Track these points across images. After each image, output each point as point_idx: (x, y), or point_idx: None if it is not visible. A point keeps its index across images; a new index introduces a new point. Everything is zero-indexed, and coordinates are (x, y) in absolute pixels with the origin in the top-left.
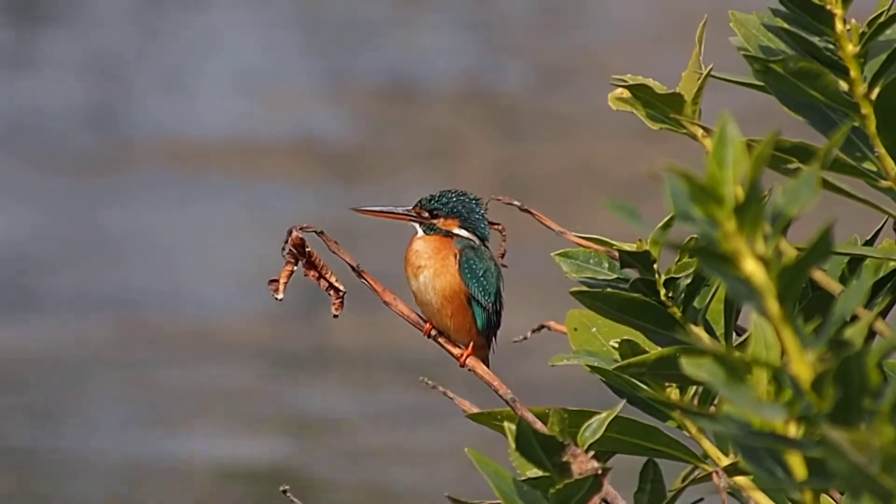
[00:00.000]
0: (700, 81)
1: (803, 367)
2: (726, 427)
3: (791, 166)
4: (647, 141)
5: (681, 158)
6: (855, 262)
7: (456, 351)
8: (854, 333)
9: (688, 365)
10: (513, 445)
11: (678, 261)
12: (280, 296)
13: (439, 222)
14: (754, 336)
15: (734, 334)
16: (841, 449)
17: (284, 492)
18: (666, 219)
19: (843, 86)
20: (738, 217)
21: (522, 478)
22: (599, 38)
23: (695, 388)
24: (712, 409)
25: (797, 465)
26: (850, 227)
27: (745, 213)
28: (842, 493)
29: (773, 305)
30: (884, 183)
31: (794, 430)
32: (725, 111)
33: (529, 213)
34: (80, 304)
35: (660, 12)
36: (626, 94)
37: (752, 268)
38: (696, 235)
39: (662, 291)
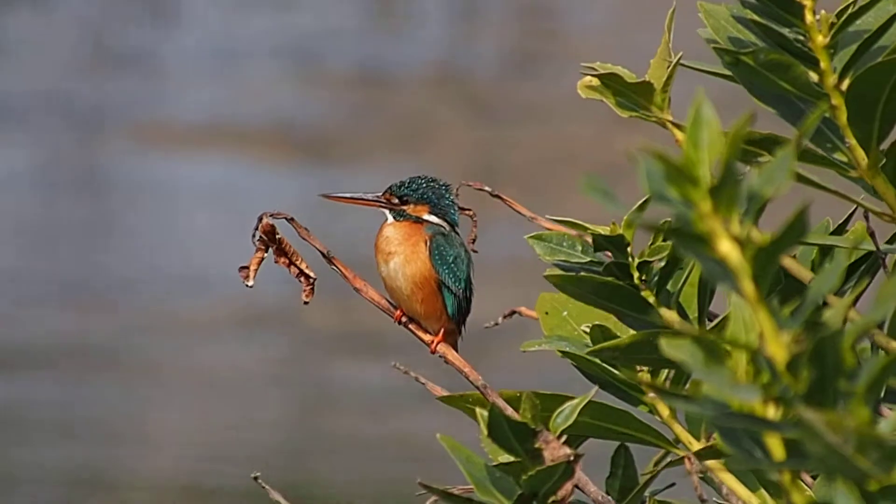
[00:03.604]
0: (669, 70)
1: (778, 348)
2: (703, 408)
3: (761, 159)
4: (621, 127)
5: (656, 141)
6: (826, 249)
7: (427, 337)
8: (831, 317)
9: (667, 346)
10: (484, 432)
11: (651, 244)
12: (250, 282)
13: (409, 208)
14: (733, 316)
15: (706, 319)
16: (816, 430)
17: (255, 478)
18: (640, 201)
19: (814, 77)
20: (714, 198)
21: (494, 463)
22: (573, 24)
23: (666, 372)
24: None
25: (775, 445)
26: (822, 217)
27: (720, 194)
28: (814, 478)
29: (748, 286)
30: (854, 173)
31: (770, 412)
32: (700, 90)
33: (500, 198)
34: (53, 288)
35: None
36: (596, 82)
37: (727, 248)
38: (670, 219)
39: (636, 275)
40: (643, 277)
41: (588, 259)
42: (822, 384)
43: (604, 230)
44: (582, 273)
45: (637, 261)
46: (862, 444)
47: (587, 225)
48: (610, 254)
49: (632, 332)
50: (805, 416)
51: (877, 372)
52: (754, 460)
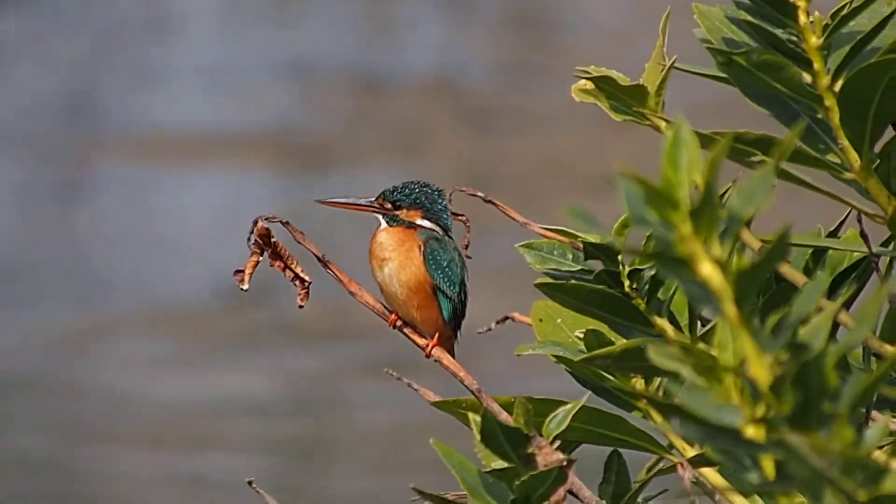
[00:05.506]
0: (663, 73)
1: (761, 370)
2: (687, 427)
3: (755, 159)
4: (614, 136)
5: (649, 150)
6: (819, 253)
7: (422, 341)
8: (819, 323)
9: (655, 354)
10: (478, 437)
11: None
12: (245, 286)
13: (402, 213)
14: (720, 326)
15: (698, 324)
16: (800, 453)
17: (250, 483)
18: (624, 216)
19: (807, 78)
20: (694, 220)
21: (487, 469)
22: (568, 33)
23: (659, 380)
24: (677, 400)
25: (766, 461)
26: (815, 218)
27: (700, 216)
28: None
29: (731, 309)
30: (847, 175)
31: (756, 432)
32: (678, 113)
33: (494, 204)
34: (49, 295)
35: (629, 7)
36: (590, 85)
37: (708, 271)
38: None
39: (626, 283)
40: (634, 286)
41: (578, 267)
42: (807, 405)
43: (594, 238)
44: (572, 281)
45: (628, 269)
46: (847, 466)
47: (577, 233)
48: (600, 262)
49: (624, 339)
50: (789, 440)
51: (859, 392)
52: (744, 476)
